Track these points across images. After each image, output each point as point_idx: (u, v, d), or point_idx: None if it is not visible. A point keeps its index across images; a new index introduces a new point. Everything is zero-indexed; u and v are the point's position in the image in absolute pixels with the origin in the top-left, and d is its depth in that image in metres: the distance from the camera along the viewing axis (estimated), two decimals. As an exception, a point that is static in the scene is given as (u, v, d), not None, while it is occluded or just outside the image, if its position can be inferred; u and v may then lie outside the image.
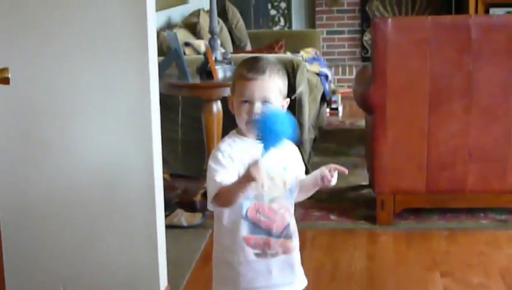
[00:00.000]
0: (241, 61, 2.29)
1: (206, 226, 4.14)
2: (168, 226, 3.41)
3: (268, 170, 2.10)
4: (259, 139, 2.04)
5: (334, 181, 2.24)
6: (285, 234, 2.24)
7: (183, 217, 4.19)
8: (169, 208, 4.01)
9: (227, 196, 2.13)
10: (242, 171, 2.12)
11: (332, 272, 3.62)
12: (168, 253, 3.24)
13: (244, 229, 2.20)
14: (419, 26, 4.06)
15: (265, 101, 2.16)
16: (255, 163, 2.04)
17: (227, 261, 2.25)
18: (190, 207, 4.34)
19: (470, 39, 3.98)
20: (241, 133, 2.24)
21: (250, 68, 2.19)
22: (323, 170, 2.23)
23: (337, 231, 4.17)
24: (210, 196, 2.17)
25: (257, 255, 2.22)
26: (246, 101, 2.18)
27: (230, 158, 2.17)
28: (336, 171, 2.23)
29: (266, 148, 2.04)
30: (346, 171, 2.24)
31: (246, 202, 2.19)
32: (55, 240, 3.10)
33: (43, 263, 3.13)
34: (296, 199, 2.32)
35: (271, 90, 2.18)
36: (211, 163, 2.19)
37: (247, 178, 2.05)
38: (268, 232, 2.22)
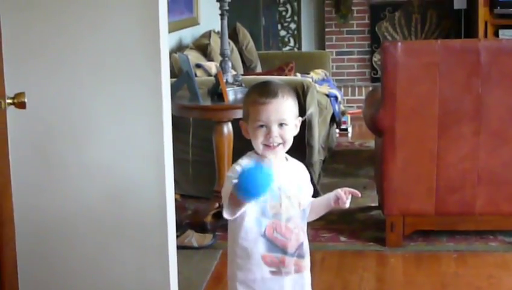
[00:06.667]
0: (250, 87, 2.32)
1: (216, 247, 4.17)
2: (179, 247, 3.41)
3: (285, 190, 2.18)
4: (239, 194, 2.06)
5: (348, 204, 2.30)
6: (298, 253, 2.28)
7: (193, 237, 4.21)
8: (180, 228, 4.02)
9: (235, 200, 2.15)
10: None
11: (342, 293, 3.64)
12: (179, 274, 3.26)
13: (262, 248, 2.24)
14: (429, 50, 4.09)
15: (281, 124, 2.20)
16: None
17: (242, 280, 2.28)
18: (201, 228, 4.36)
19: (479, 63, 4.01)
20: (258, 155, 2.26)
21: (262, 93, 2.22)
22: (339, 192, 2.29)
23: (347, 252, 4.19)
24: (225, 202, 2.19)
25: (272, 273, 2.26)
26: (262, 126, 2.20)
27: None
28: (350, 194, 2.28)
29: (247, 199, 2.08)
30: (360, 195, 2.30)
31: (265, 221, 2.23)
32: (68, 258, 3.13)
33: (56, 280, 3.15)
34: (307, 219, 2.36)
35: (286, 111, 2.21)
36: (228, 173, 2.23)
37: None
38: (284, 251, 2.26)
